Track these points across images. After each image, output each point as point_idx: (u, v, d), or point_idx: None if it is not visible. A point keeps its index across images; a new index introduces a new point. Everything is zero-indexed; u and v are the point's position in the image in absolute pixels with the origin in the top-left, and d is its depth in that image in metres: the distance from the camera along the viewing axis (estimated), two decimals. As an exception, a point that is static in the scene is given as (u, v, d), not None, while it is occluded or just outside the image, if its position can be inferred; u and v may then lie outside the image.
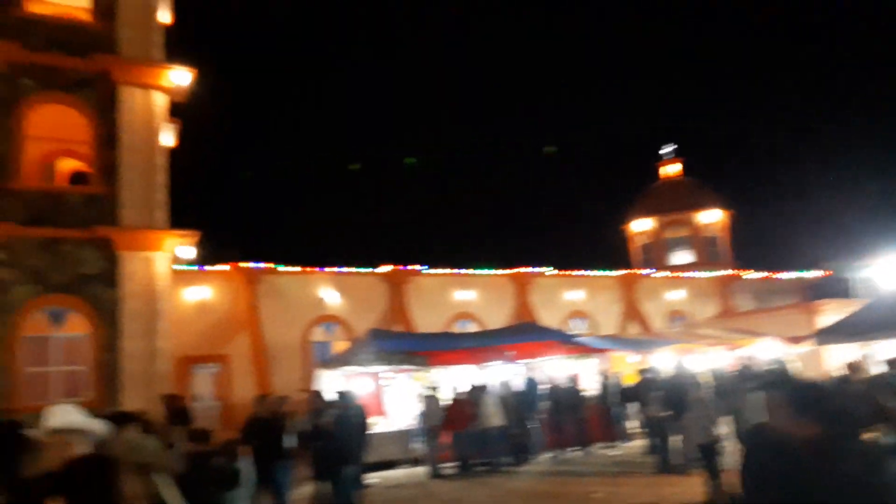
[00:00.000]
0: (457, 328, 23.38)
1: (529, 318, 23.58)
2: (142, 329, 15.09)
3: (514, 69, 75.66)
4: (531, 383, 15.26)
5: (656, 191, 36.18)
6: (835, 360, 18.37)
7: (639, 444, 14.92)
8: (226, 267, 20.35)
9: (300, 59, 70.34)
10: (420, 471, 13.55)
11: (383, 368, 15.49)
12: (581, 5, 74.95)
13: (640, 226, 35.40)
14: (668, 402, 11.72)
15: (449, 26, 73.60)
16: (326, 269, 21.95)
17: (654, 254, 34.59)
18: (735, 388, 12.35)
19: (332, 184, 66.93)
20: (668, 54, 77.10)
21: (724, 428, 10.02)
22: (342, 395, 11.05)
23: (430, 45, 74.52)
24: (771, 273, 30.06)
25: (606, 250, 46.28)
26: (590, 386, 16.33)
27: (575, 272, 26.04)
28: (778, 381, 2.69)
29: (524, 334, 17.68)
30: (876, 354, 13.80)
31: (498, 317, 23.90)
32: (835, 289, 28.52)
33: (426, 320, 22.27)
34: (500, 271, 24.69)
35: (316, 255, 35.79)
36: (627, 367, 17.93)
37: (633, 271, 28.32)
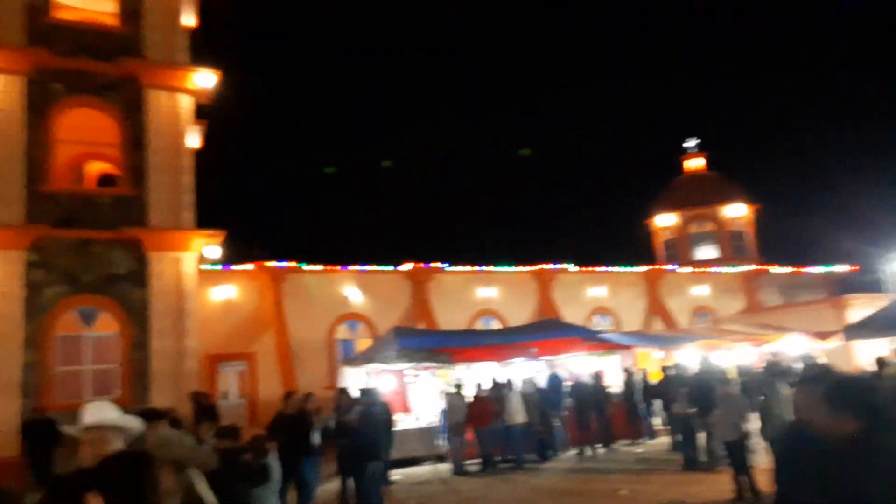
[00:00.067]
0: (479, 325, 23.40)
1: (552, 314, 23.52)
2: (170, 328, 15.34)
3: (534, 63, 75.32)
4: (555, 380, 15.24)
5: (680, 185, 35.80)
6: (864, 355, 18.07)
7: (663, 441, 14.83)
8: (251, 266, 20.59)
9: (322, 57, 70.77)
10: (444, 467, 13.60)
11: (407, 366, 15.58)
12: (603, -2, 74.37)
13: (664, 221, 35.06)
14: (693, 398, 11.63)
15: (471, 18, 73.51)
16: (350, 268, 22.10)
17: (678, 249, 34.25)
18: (763, 383, 12.21)
19: (355, 182, 67.29)
20: (691, 46, 76.19)
21: (752, 425, 9.91)
22: (367, 392, 11.16)
23: (452, 39, 74.50)
24: (798, 268, 29.61)
25: (630, 246, 45.94)
26: (614, 382, 16.27)
27: (598, 268, 25.89)
28: (817, 376, 2.61)
29: (547, 331, 17.64)
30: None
31: (520, 314, 23.86)
32: (863, 283, 28.03)
33: (448, 318, 22.32)
34: (522, 268, 24.64)
35: (339, 253, 36.00)
36: (652, 363, 17.83)
37: (657, 267, 28.08)
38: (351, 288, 22.09)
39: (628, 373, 16.17)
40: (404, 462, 13.73)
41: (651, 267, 27.55)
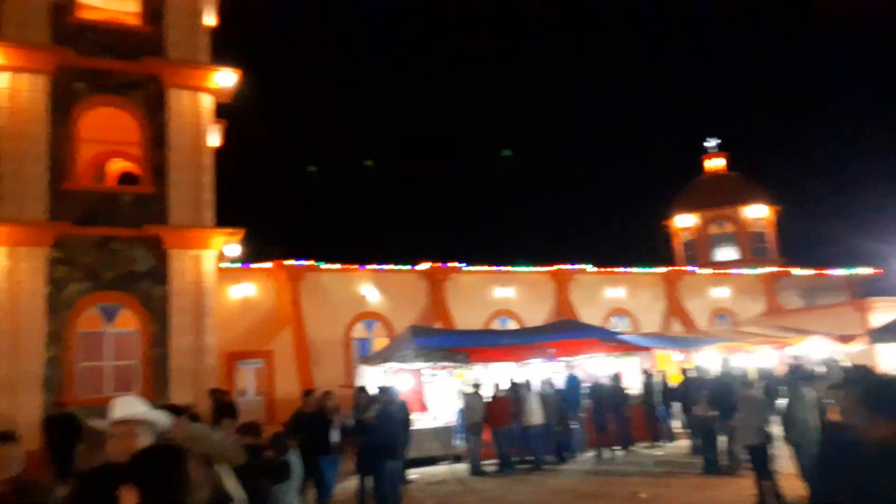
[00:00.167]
0: (496, 325, 23.34)
1: (569, 315, 23.40)
2: (189, 325, 15.47)
3: (554, 62, 75.08)
4: (573, 381, 15.14)
5: (700, 185, 35.48)
6: (887, 359, 17.80)
7: (683, 444, 14.68)
8: (269, 265, 20.69)
9: (339, 56, 71.04)
10: (461, 467, 13.56)
11: (424, 365, 15.56)
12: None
13: (684, 221, 34.76)
14: (715, 401, 11.50)
15: (492, 17, 73.40)
16: (367, 267, 22.14)
17: (698, 250, 33.95)
18: (786, 387, 12.05)
19: (374, 181, 67.47)
20: (713, 45, 75.54)
21: (775, 428, 9.78)
22: (385, 390, 11.15)
23: (473, 37, 74.46)
24: (820, 270, 29.21)
25: (649, 247, 45.61)
26: (633, 384, 16.14)
27: (616, 269, 25.72)
28: (856, 379, 2.56)
29: (566, 331, 17.55)
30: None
31: (538, 314, 23.77)
32: (886, 286, 27.59)
33: (465, 317, 22.28)
34: (539, 268, 24.54)
35: (356, 252, 36.06)
36: (671, 365, 17.67)
37: (676, 268, 27.84)
38: (368, 287, 22.12)
39: (647, 374, 16.03)
40: (421, 461, 13.70)
41: (670, 268, 27.32)
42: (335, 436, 9.62)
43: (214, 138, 17.33)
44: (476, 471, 13.15)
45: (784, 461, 10.05)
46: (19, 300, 14.42)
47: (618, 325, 24.86)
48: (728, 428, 11.05)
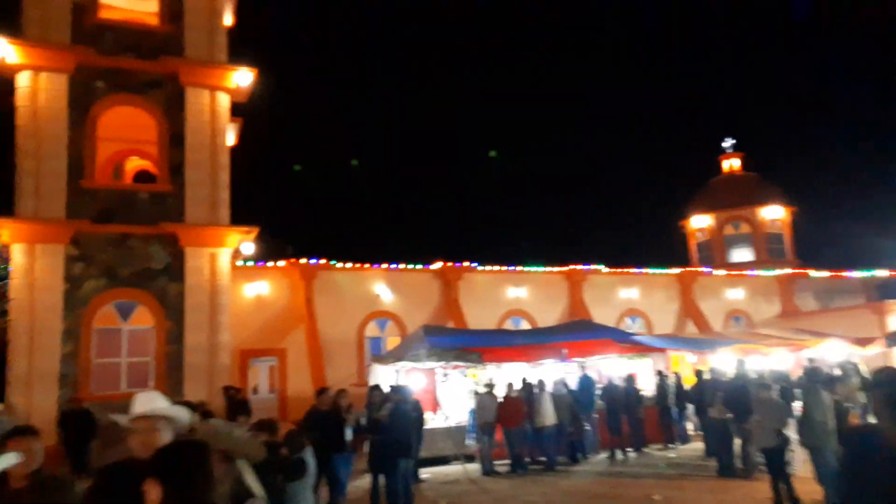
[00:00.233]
0: (508, 325, 23.30)
1: (583, 315, 23.31)
2: (204, 322, 15.57)
3: (568, 61, 74.83)
4: (586, 381, 15.09)
5: (716, 186, 35.24)
6: (907, 363, 17.57)
7: (696, 446, 14.59)
8: (283, 263, 20.78)
9: (353, 54, 71.25)
10: (473, 467, 13.55)
11: (437, 364, 15.56)
12: (637, -2, 73.53)
13: (699, 222, 34.54)
14: (730, 403, 11.41)
15: (508, 16, 73.31)
16: (380, 266, 22.18)
17: (713, 251, 33.72)
18: (803, 389, 11.94)
19: (387, 180, 67.55)
20: (728, 45, 74.99)
21: (791, 431, 9.69)
22: (398, 389, 11.16)
23: (493, 35, 74.41)
24: (836, 272, 28.92)
25: (663, 247, 45.35)
26: (646, 386, 16.06)
27: (630, 269, 25.60)
28: (883, 381, 2.53)
29: (579, 332, 17.49)
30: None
31: (550, 314, 23.72)
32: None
33: (478, 317, 22.26)
34: (553, 268, 24.47)
35: (369, 251, 36.19)
36: (685, 367, 17.56)
37: (691, 269, 27.66)
38: (381, 286, 22.16)
39: (661, 376, 15.94)
40: (433, 461, 13.71)
41: (685, 269, 27.15)
42: (349, 434, 9.64)
43: (230, 137, 17.43)
44: (488, 471, 13.13)
45: (800, 464, 9.98)
46: (37, 297, 14.57)
47: (631, 325, 24.74)
48: (743, 430, 10.96)
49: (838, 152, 65.76)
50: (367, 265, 22.03)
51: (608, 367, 16.67)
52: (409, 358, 15.44)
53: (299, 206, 56.02)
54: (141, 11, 16.71)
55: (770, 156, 65.53)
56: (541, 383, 14.14)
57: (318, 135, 64.23)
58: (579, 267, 24.57)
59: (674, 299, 26.19)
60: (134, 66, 15.89)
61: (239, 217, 16.47)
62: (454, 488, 12.03)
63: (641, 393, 15.40)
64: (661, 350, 17.15)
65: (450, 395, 15.85)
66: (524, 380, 14.45)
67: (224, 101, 16.57)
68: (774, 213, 33.37)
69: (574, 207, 68.51)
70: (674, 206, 38.11)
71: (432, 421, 14.37)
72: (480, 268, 23.28)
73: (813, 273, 28.65)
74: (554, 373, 15.39)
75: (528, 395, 13.95)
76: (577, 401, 14.37)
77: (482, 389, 13.93)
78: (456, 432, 14.49)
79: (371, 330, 21.99)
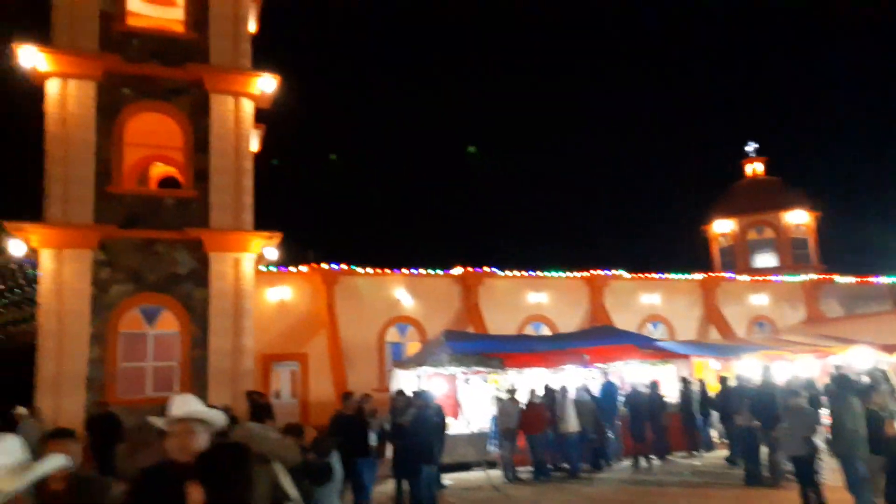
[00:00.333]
0: (529, 331, 23.20)
1: (604, 321, 23.14)
2: (228, 327, 15.69)
3: (588, 64, 74.59)
4: (609, 388, 14.98)
5: (739, 190, 34.85)
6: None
7: (721, 454, 14.41)
8: (304, 268, 20.90)
9: (372, 58, 71.64)
10: (495, 474, 13.49)
11: (458, 370, 15.54)
12: (667, 2, 73.18)
13: (722, 227, 34.17)
14: (757, 411, 11.25)
15: (536, 28, 73.30)
16: (401, 271, 22.22)
17: (736, 256, 33.33)
18: (832, 397, 11.75)
19: (406, 185, 67.75)
20: (751, 49, 74.24)
21: (820, 439, 9.54)
22: (420, 394, 11.16)
23: (515, 41, 74.43)
24: (863, 277, 28.44)
25: (685, 252, 44.93)
26: (669, 392, 15.90)
27: (652, 275, 25.39)
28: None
29: (602, 337, 17.36)
30: None
31: (571, 320, 23.59)
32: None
33: (498, 323, 22.21)
34: (573, 274, 24.35)
35: (390, 256, 36.25)
36: (709, 373, 17.36)
37: (714, 274, 27.36)
38: (401, 291, 22.20)
39: (685, 382, 15.77)
40: (455, 467, 13.67)
41: (707, 274, 26.86)
42: (373, 439, 9.66)
43: (254, 143, 17.59)
44: (511, 477, 13.07)
45: (829, 473, 9.81)
46: (65, 301, 14.78)
47: (653, 331, 24.50)
48: (771, 438, 10.80)
49: (863, 156, 64.77)
50: (387, 270, 22.09)
51: (631, 374, 16.52)
52: (430, 363, 15.44)
53: (320, 210, 56.38)
54: (167, 19, 16.94)
55: (794, 160, 64.78)
56: (563, 389, 14.06)
57: (337, 139, 64.60)
58: (600, 272, 24.42)
59: (696, 305, 25.93)
60: (160, 73, 16.11)
61: (262, 222, 16.62)
62: (477, 495, 11.98)
63: (665, 400, 15.24)
64: (685, 356, 16.96)
65: (471, 400, 15.82)
66: (547, 386, 14.38)
67: (248, 107, 16.73)
68: (798, 218, 32.92)
69: (595, 212, 68.22)
70: (696, 210, 37.73)
71: (454, 426, 14.34)
72: (501, 273, 23.23)
73: (838, 278, 28.22)
74: (576, 379, 15.30)
75: (550, 402, 13.87)
76: (600, 407, 14.27)
77: (504, 395, 13.88)
78: (478, 438, 14.44)
79: (392, 335, 22.02)
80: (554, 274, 24.16)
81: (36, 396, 14.38)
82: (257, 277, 17.53)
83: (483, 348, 16.04)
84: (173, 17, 16.91)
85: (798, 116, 70.41)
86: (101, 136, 15.52)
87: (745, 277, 27.63)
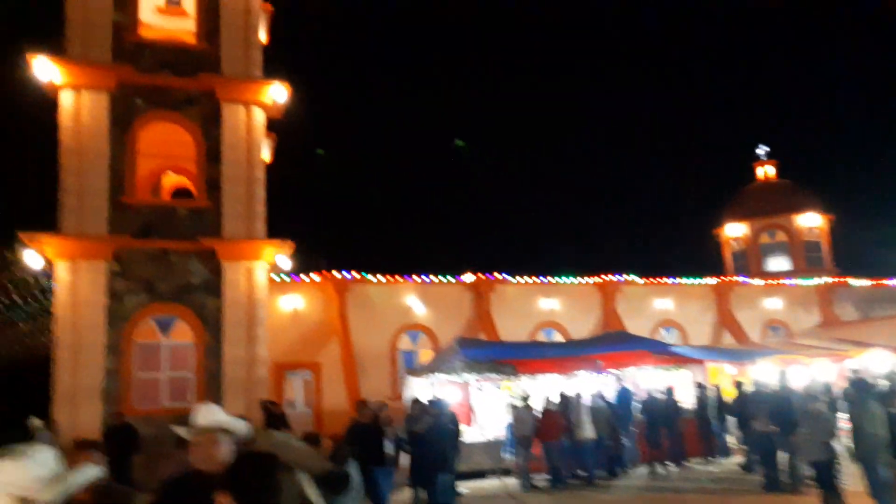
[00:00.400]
0: (541, 337, 23.11)
1: (616, 327, 23.03)
2: (242, 336, 15.70)
3: (598, 68, 74.56)
4: (624, 394, 14.90)
5: (750, 194, 34.65)
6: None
7: (738, 460, 14.29)
8: (316, 276, 20.92)
9: (380, 64, 71.89)
10: (511, 481, 13.42)
11: (472, 377, 15.50)
12: (678, 2, 73.15)
13: (734, 230, 33.97)
14: (775, 416, 11.14)
15: (551, 34, 73.41)
16: (412, 279, 22.21)
17: (748, 260, 33.11)
18: (847, 400, 11.62)
19: (419, 192, 67.80)
20: (762, 51, 74.02)
21: (839, 444, 9.43)
22: (435, 402, 11.13)
23: (534, 48, 74.56)
24: (878, 280, 28.18)
25: (697, 257, 44.69)
26: (686, 398, 15.78)
27: (665, 280, 25.26)
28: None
29: (615, 343, 17.30)
30: None
31: (583, 326, 23.48)
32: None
33: (510, 329, 22.12)
34: (585, 279, 24.25)
35: (401, 264, 36.25)
36: (723, 378, 17.23)
37: (727, 279, 27.18)
38: (413, 299, 22.18)
39: (701, 388, 15.66)
40: (470, 475, 13.61)
41: (720, 278, 26.69)
42: (389, 447, 9.63)
43: (265, 152, 17.65)
44: (527, 486, 13.00)
45: (849, 478, 9.70)
46: (80, 312, 14.83)
47: (666, 336, 24.34)
48: (790, 443, 10.69)
49: (876, 157, 64.30)
50: (399, 278, 22.08)
51: (645, 379, 16.43)
52: (444, 370, 15.42)
53: (331, 218, 56.53)
54: (179, 30, 17.05)
55: (805, 162, 64.42)
56: (578, 396, 13.99)
57: (346, 145, 64.81)
58: (612, 278, 24.32)
59: (709, 309, 25.75)
60: (172, 84, 16.20)
61: (273, 230, 16.65)
62: (493, 503, 11.93)
63: (681, 405, 15.14)
64: (700, 361, 16.86)
65: (484, 407, 15.77)
66: (562, 392, 14.32)
67: (259, 116, 16.79)
68: (811, 221, 32.68)
69: (607, 217, 68.01)
70: (707, 214, 37.53)
71: (469, 434, 14.29)
72: (512, 280, 23.18)
73: (853, 281, 27.96)
74: (590, 385, 15.22)
75: (565, 408, 13.80)
76: (615, 413, 14.18)
77: (519, 402, 13.83)
78: (493, 446, 14.39)
79: (404, 343, 21.98)
80: (565, 280, 24.07)
81: (52, 408, 14.42)
82: (269, 286, 17.55)
83: (496, 355, 16.00)
84: (185, 27, 17.01)
85: (809, 118, 70.07)
86: (115, 147, 15.61)
87: (758, 281, 27.43)
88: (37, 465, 2.46)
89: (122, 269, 15.35)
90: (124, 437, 13.13)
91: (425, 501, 9.89)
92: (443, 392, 14.76)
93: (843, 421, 10.40)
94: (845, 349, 18.83)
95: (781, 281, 27.76)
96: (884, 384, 14.68)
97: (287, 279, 20.09)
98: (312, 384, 20.44)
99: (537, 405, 13.83)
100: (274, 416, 13.36)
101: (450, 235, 58.16)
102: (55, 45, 15.60)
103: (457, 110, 71.06)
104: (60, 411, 14.26)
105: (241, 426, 3.33)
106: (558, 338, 23.03)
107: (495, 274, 22.85)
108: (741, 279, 27.33)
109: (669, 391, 15.06)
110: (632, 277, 24.52)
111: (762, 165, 35.53)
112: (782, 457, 11.30)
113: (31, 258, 15.25)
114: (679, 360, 16.73)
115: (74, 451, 3.64)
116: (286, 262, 17.12)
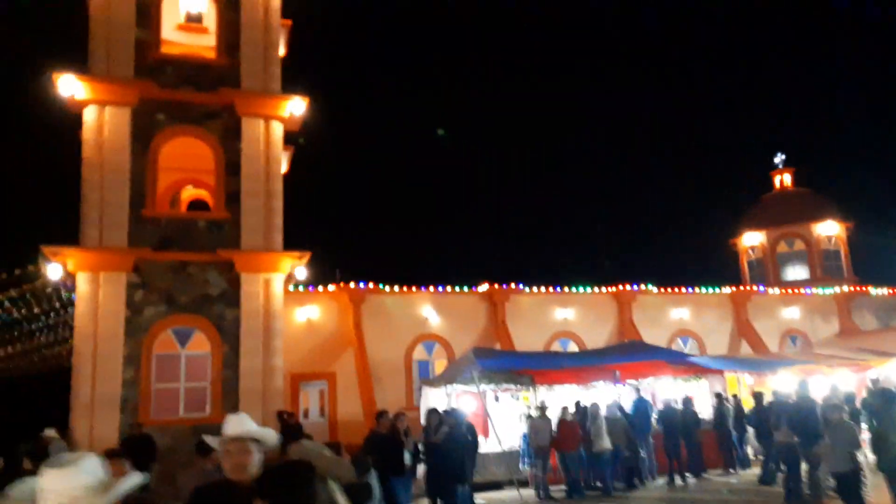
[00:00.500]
0: (556, 347, 23.04)
1: (632, 336, 22.91)
2: (259, 347, 15.81)
3: (618, 77, 74.56)
4: (641, 404, 14.81)
5: (767, 202, 34.41)
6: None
7: (758, 471, 14.13)
8: (332, 287, 21.03)
9: (394, 74, 72.34)
10: (528, 493, 13.37)
11: (488, 387, 15.48)
12: (692, 10, 73.07)
13: (751, 239, 33.73)
14: (796, 426, 11.04)
15: (568, 39, 73.56)
16: (427, 289, 22.24)
17: (766, 269, 32.83)
18: (869, 411, 11.50)
19: (434, 203, 68.02)
20: (780, 59, 73.67)
21: (862, 456, 9.32)
22: (452, 412, 11.14)
23: (553, 54, 74.76)
24: (898, 289, 27.85)
25: (714, 266, 44.36)
26: (704, 408, 15.66)
27: (680, 289, 25.10)
28: None
29: (631, 353, 17.21)
30: None
31: (599, 335, 23.39)
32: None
33: (525, 339, 22.08)
34: (600, 289, 24.18)
35: (416, 274, 36.33)
36: (742, 388, 17.08)
37: (744, 288, 26.97)
38: (428, 309, 22.21)
39: (720, 398, 15.53)
40: (487, 486, 13.58)
41: (737, 288, 26.49)
42: (408, 458, 9.65)
43: (283, 165, 17.83)
44: (543, 496, 12.95)
45: (872, 489, 9.57)
46: (100, 324, 15.01)
47: (683, 346, 24.20)
48: (812, 454, 10.58)
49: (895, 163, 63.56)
50: (414, 288, 22.12)
51: (663, 390, 16.33)
52: (460, 381, 15.42)
53: (346, 228, 56.78)
54: (200, 46, 17.33)
55: (823, 171, 63.90)
56: (595, 406, 13.93)
57: (360, 156, 65.15)
58: (628, 287, 24.22)
59: (727, 319, 25.55)
60: (193, 99, 16.45)
61: (289, 241, 16.79)
62: (510, 514, 11.89)
63: (699, 416, 15.02)
64: (718, 371, 16.73)
65: (501, 418, 15.73)
66: (578, 403, 14.27)
67: (278, 129, 17.00)
68: (829, 230, 32.38)
69: (622, 226, 67.75)
70: (724, 223, 37.26)
71: (485, 445, 14.26)
72: (527, 289, 23.15)
73: (872, 290, 27.66)
74: (607, 395, 15.15)
75: (582, 419, 13.75)
76: (632, 424, 14.10)
77: (535, 413, 13.80)
78: (508, 457, 14.34)
79: (419, 353, 22.01)
80: (581, 289, 24.01)
81: (71, 419, 14.59)
82: (286, 297, 17.67)
83: (512, 365, 15.98)
84: (206, 43, 17.29)
85: (828, 125, 69.56)
86: (136, 161, 15.86)
87: (775, 290, 27.20)
88: (84, 473, 2.52)
89: (141, 280, 15.53)
90: (142, 447, 13.23)
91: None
92: (459, 402, 14.76)
93: (864, 431, 10.30)
94: (866, 359, 18.61)
95: (799, 290, 27.51)
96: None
97: (303, 290, 20.22)
98: (328, 394, 20.50)
99: (554, 416, 13.79)
100: (290, 427, 13.41)
101: (464, 246, 58.23)
102: (76, 62, 15.92)
103: (476, 118, 71.24)
104: (79, 421, 14.42)
105: (270, 436, 3.39)
106: (574, 347, 22.96)
107: (510, 284, 22.85)
108: (758, 288, 27.11)
109: (687, 401, 14.95)
110: (647, 287, 24.41)
111: (780, 174, 35.30)
112: (802, 468, 11.18)
113: (54, 271, 15.48)
114: (697, 370, 16.60)
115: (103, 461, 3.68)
116: (302, 273, 17.24)
